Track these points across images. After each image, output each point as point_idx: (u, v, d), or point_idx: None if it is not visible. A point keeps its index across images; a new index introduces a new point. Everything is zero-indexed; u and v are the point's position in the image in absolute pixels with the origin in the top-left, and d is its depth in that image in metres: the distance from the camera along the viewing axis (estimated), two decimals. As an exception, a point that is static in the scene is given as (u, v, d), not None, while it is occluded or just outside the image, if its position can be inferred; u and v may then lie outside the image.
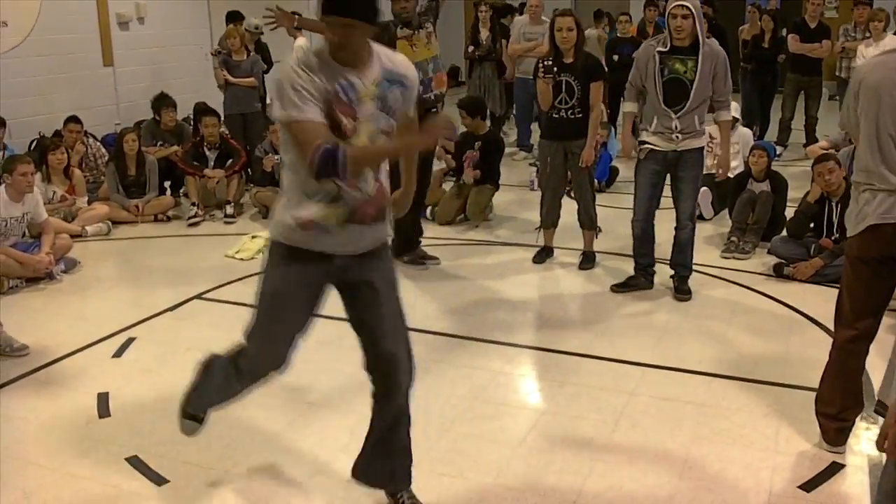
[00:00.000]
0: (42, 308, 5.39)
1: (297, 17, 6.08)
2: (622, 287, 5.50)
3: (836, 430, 3.51)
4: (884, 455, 2.17)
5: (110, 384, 3.61)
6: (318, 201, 2.74)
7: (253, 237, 6.58)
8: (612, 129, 9.08)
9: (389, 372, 2.96)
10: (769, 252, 6.03)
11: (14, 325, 4.78)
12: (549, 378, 4.33)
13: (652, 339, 4.76)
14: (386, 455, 3.10)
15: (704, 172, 5.48)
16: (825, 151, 6.78)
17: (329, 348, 4.32)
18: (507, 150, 8.34)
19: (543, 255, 6.16)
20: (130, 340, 4.81)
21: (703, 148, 5.21)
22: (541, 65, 5.67)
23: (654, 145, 5.16)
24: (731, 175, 7.15)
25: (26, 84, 8.54)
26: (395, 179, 3.01)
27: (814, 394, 3.57)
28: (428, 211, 7.13)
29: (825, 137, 8.36)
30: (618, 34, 10.21)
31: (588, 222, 5.97)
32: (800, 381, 4.12)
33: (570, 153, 5.80)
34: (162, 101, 8.42)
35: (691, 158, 5.14)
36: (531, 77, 6.15)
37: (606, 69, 7.10)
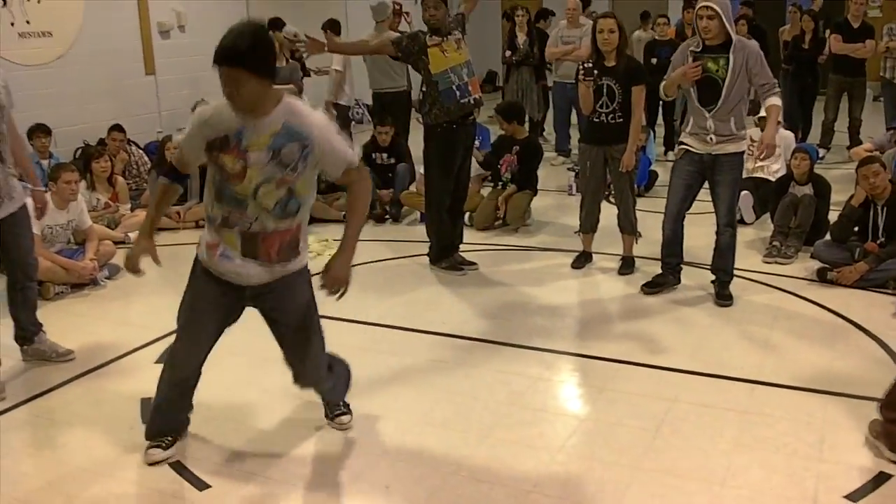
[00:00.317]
0: (86, 313, 5.48)
1: (325, 41, 6.12)
2: (652, 286, 5.48)
3: None
4: None
5: (153, 389, 3.65)
6: (211, 225, 3.19)
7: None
8: (651, 133, 9.02)
9: (293, 374, 3.51)
10: (812, 256, 5.93)
11: (58, 330, 4.86)
12: (588, 384, 4.31)
13: (692, 344, 4.71)
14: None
15: (745, 176, 5.41)
16: (869, 154, 6.68)
17: (367, 354, 4.35)
18: (545, 154, 8.31)
19: (582, 260, 6.12)
20: (172, 346, 4.87)
21: (741, 153, 5.14)
22: (581, 67, 5.65)
23: (690, 146, 5.16)
24: (772, 178, 7.09)
25: (71, 93, 8.68)
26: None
27: (859, 401, 3.51)
28: (466, 217, 7.13)
29: (869, 139, 8.24)
30: (656, 37, 10.14)
31: (628, 227, 5.93)
32: (844, 388, 4.05)
33: (611, 157, 5.77)
34: (203, 109, 8.50)
35: (728, 162, 5.09)
36: (569, 81, 6.11)
37: (646, 72, 7.04)
